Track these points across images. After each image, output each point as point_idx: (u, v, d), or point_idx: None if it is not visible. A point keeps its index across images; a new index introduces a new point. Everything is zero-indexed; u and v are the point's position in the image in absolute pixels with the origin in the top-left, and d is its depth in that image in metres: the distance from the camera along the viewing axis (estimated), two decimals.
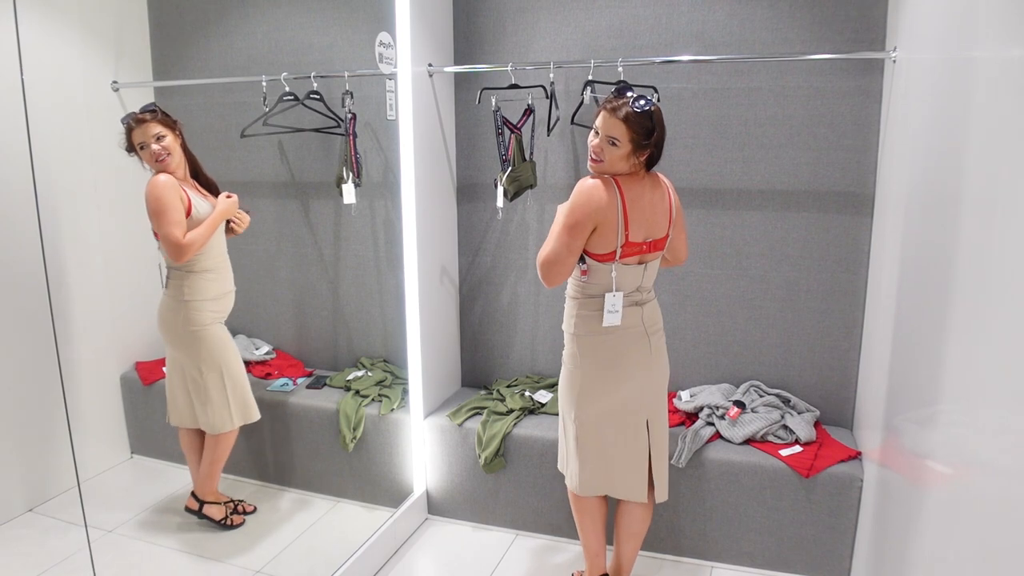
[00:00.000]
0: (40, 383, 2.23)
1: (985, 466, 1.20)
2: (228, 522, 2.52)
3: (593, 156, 1.96)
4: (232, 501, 2.65)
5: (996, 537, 1.10)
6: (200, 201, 2.26)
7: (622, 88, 1.98)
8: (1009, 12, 1.20)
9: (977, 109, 1.36)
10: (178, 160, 2.22)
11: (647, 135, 1.90)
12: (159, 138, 2.16)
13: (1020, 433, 1.03)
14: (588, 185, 1.94)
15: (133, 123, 2.14)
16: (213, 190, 2.37)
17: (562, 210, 1.98)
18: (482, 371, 3.24)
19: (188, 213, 2.21)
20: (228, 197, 2.35)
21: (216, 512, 2.50)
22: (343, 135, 2.75)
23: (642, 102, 1.89)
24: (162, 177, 2.17)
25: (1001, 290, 1.15)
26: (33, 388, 2.23)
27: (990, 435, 1.17)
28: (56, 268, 1.74)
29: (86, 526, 1.89)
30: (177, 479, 2.48)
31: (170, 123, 2.20)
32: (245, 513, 2.65)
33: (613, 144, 1.90)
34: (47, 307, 1.71)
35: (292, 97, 2.64)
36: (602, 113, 1.92)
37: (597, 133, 1.94)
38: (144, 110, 2.17)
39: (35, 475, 2.32)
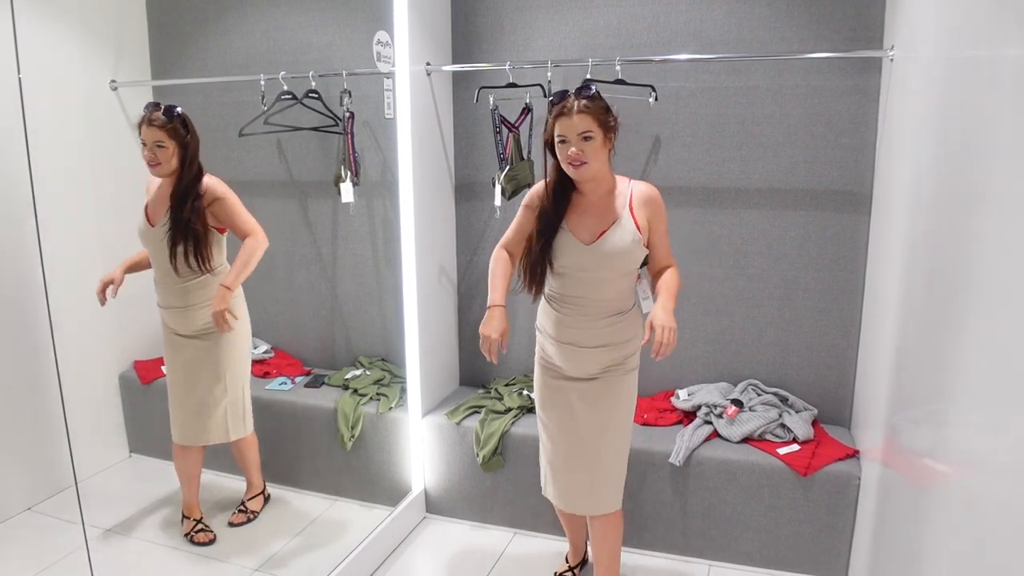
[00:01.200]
0: (38, 382, 2.24)
1: (984, 465, 1.20)
2: (190, 538, 2.46)
3: (574, 163, 1.91)
4: (243, 506, 2.65)
5: (994, 536, 1.11)
6: (139, 223, 2.25)
7: (559, 94, 1.94)
8: (1007, 11, 1.20)
9: (975, 108, 1.36)
10: (166, 174, 2.19)
11: (608, 112, 1.93)
12: (158, 145, 2.12)
13: (1020, 433, 1.03)
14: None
15: (146, 120, 2.12)
16: (196, 215, 2.22)
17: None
18: (480, 370, 3.24)
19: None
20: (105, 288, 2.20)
21: (184, 526, 2.48)
22: (341, 134, 2.75)
23: (586, 90, 1.92)
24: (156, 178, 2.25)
25: (1000, 289, 1.15)
26: (31, 387, 2.23)
27: (990, 434, 1.17)
28: (54, 266, 1.74)
29: (83, 525, 1.89)
30: (175, 478, 2.48)
31: (179, 135, 2.14)
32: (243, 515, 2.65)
33: (588, 138, 1.88)
34: (45, 306, 1.71)
35: (290, 96, 2.65)
36: (559, 121, 1.89)
37: (564, 141, 1.90)
38: (164, 111, 2.12)
39: (33, 474, 2.32)
